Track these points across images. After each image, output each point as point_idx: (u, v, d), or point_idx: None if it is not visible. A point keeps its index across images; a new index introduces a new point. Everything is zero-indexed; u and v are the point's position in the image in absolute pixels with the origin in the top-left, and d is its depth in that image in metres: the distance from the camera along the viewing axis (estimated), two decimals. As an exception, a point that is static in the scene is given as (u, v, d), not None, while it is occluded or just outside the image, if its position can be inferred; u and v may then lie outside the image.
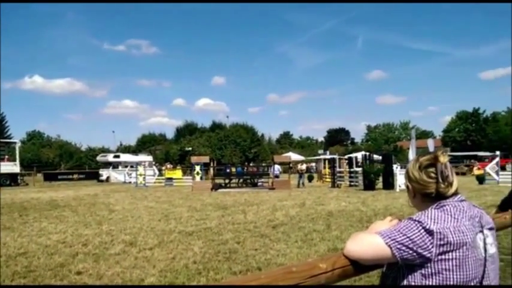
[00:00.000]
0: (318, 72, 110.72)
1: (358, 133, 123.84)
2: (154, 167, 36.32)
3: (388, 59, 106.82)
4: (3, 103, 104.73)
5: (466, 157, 45.90)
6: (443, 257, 1.32)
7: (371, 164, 22.69)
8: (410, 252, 1.32)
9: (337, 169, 26.67)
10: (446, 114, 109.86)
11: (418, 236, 1.33)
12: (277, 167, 26.28)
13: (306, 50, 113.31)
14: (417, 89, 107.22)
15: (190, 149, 52.79)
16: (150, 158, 43.91)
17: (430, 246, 1.32)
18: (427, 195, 1.48)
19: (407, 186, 1.57)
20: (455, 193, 1.47)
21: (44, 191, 24.04)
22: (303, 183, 25.75)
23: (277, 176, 25.49)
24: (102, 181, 36.78)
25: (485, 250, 1.41)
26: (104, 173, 38.23)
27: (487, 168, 25.29)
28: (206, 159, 27.10)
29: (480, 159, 41.20)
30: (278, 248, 7.16)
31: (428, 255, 1.32)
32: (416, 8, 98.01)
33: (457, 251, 1.32)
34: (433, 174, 1.46)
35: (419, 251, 1.32)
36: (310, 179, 30.61)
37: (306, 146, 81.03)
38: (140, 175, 28.84)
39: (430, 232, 1.32)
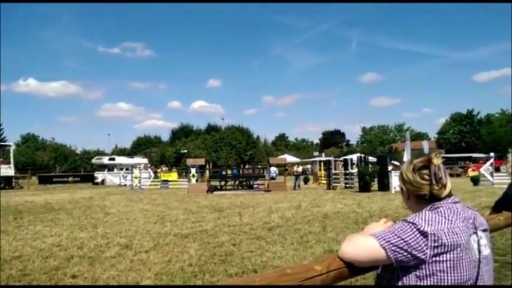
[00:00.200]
0: (313, 74, 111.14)
1: (353, 135, 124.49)
2: (149, 170, 36.26)
3: (382, 61, 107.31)
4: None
5: (460, 159, 46.12)
6: (437, 258, 1.33)
7: (366, 166, 22.74)
8: (405, 254, 1.33)
9: (333, 171, 26.74)
10: (440, 116, 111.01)
11: (413, 237, 1.34)
12: (273, 169, 26.29)
13: (301, 52, 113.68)
14: (411, 91, 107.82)
15: (185, 151, 52.74)
16: (145, 161, 43.84)
17: (425, 248, 1.32)
18: (421, 197, 1.49)
19: (401, 188, 1.58)
20: (449, 195, 1.48)
21: (38, 194, 23.91)
22: (298, 185, 25.78)
23: (273, 178, 25.49)
24: (97, 184, 36.59)
25: (479, 251, 1.42)
26: (99, 176, 38.07)
27: (482, 170, 25.40)
28: (202, 161, 27.06)
29: (475, 160, 41.43)
30: (274, 250, 7.15)
31: (423, 256, 1.33)
32: (410, 10, 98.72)
33: (451, 252, 1.33)
34: (426, 176, 1.47)
35: (414, 252, 1.33)
36: (306, 181, 30.65)
37: (301, 148, 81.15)
38: (135, 178, 28.74)
39: (424, 234, 1.33)
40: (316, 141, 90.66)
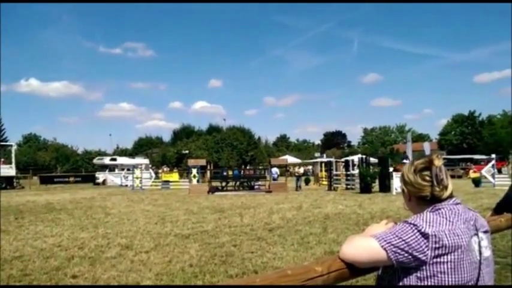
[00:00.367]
0: (313, 75, 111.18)
1: (354, 136, 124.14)
2: (151, 170, 36.25)
3: (382, 61, 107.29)
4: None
5: (462, 160, 46.11)
6: (438, 260, 1.33)
7: (367, 167, 22.73)
8: (406, 255, 1.33)
9: (334, 172, 26.72)
10: (442, 117, 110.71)
11: (414, 239, 1.33)
12: (275, 170, 26.27)
13: (301, 53, 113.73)
14: (412, 91, 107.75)
15: (187, 152, 52.76)
16: (146, 161, 43.85)
17: (426, 249, 1.32)
18: (422, 199, 1.49)
19: (402, 190, 1.58)
20: (450, 196, 1.48)
21: (40, 194, 23.94)
22: (299, 186, 25.77)
23: (275, 179, 25.46)
24: (98, 184, 36.64)
25: (480, 253, 1.41)
26: (101, 176, 38.11)
27: (483, 171, 25.38)
28: (203, 162, 27.06)
29: (476, 162, 41.42)
30: (274, 251, 7.15)
31: (424, 258, 1.32)
32: (410, 10, 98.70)
33: (452, 254, 1.33)
34: (428, 178, 1.47)
35: (415, 254, 1.32)
36: (307, 182, 30.64)
37: (302, 149, 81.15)
38: (137, 178, 28.76)
39: (425, 235, 1.33)
40: (318, 142, 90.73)
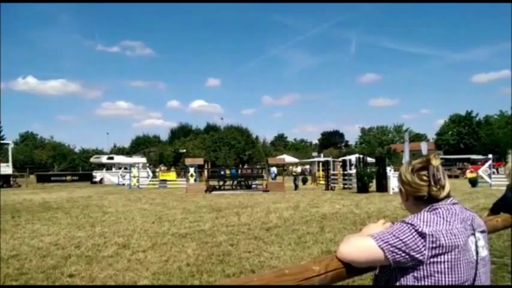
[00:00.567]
0: (311, 74, 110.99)
1: (352, 135, 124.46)
2: (148, 169, 36.20)
3: (380, 61, 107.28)
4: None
5: (459, 160, 46.29)
6: (435, 259, 1.33)
7: (364, 166, 22.76)
8: (403, 254, 1.33)
9: (331, 172, 26.75)
10: (439, 117, 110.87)
11: (411, 238, 1.34)
12: (273, 169, 26.27)
13: (299, 53, 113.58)
14: (410, 91, 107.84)
15: (184, 150, 52.75)
16: (144, 160, 43.76)
17: (423, 249, 1.32)
18: (419, 198, 1.49)
19: (400, 189, 1.59)
20: (448, 196, 1.48)
21: (36, 193, 23.87)
22: (297, 186, 25.79)
23: (273, 178, 25.46)
24: (95, 183, 36.58)
25: (477, 253, 1.42)
26: (98, 175, 38.05)
27: (480, 171, 25.46)
28: (200, 161, 27.04)
29: (473, 162, 41.56)
30: (272, 251, 7.15)
31: (421, 257, 1.32)
32: (408, 11, 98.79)
33: (449, 253, 1.33)
34: (425, 177, 1.48)
35: (412, 253, 1.32)
36: (304, 181, 30.66)
37: (300, 148, 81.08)
38: (134, 177, 28.73)
39: (422, 235, 1.33)
40: (315, 141, 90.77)
